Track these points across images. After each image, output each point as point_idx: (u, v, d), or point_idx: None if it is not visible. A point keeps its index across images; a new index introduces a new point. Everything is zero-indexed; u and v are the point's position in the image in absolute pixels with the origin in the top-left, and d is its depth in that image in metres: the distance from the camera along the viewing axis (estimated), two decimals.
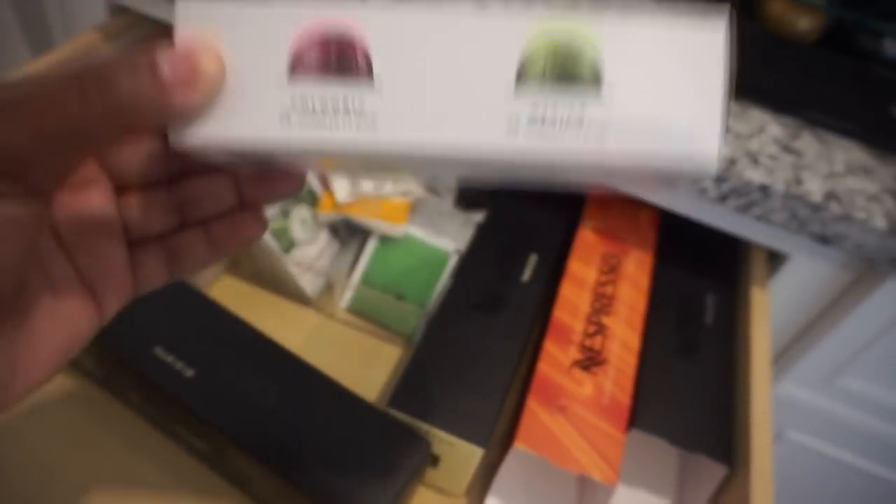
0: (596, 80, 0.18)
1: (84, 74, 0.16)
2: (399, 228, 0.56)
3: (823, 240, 0.49)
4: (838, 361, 0.59)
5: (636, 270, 0.54)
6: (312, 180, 0.57)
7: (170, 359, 0.41)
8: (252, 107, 0.18)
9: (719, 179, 0.48)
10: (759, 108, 0.54)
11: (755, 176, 0.47)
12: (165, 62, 0.17)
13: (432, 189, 0.61)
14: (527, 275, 0.52)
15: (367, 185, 0.57)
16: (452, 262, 0.56)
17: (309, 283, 0.55)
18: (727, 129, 0.18)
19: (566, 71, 0.18)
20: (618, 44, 0.18)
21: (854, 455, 0.67)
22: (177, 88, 0.17)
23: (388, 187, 0.58)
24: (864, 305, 0.53)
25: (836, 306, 0.56)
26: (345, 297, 0.56)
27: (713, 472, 0.44)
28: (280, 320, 0.54)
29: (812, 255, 0.52)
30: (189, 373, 0.41)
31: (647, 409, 0.45)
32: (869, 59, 0.55)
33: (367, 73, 0.18)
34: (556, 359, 0.46)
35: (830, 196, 0.47)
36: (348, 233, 0.59)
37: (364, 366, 0.52)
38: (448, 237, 0.56)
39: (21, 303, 0.20)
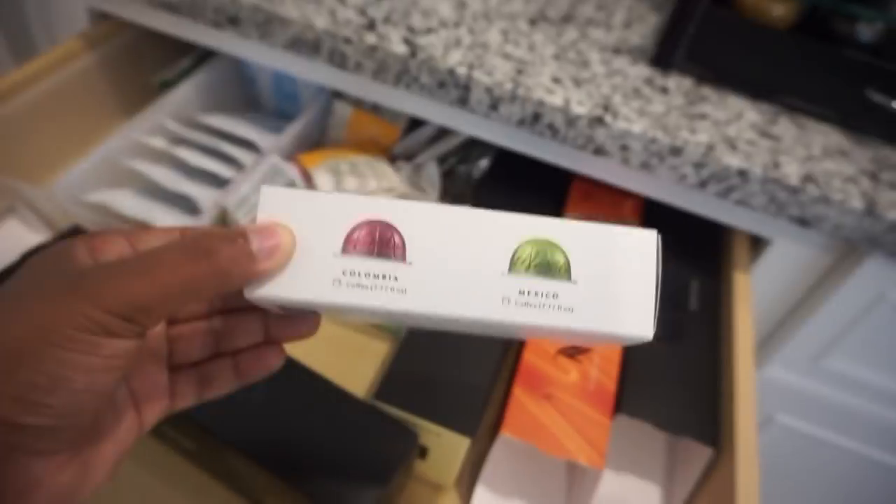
0: (567, 275, 0.24)
1: (195, 246, 0.22)
2: None
3: (803, 222, 0.49)
4: (823, 343, 0.59)
5: None
6: (296, 178, 0.57)
7: None
8: (312, 273, 0.24)
9: (698, 165, 0.49)
10: (737, 95, 0.55)
11: (733, 161, 0.48)
12: (255, 237, 0.23)
13: (416, 185, 0.62)
14: None
15: (351, 183, 0.58)
16: None
17: None
18: (660, 247, 0.25)
19: (545, 268, 0.24)
20: (583, 250, 0.24)
21: (842, 436, 0.67)
22: (261, 258, 0.23)
23: (372, 184, 0.58)
24: (846, 287, 0.53)
25: (818, 288, 0.56)
26: None
27: (699, 454, 0.44)
28: None
29: (792, 239, 0.53)
30: None
31: (632, 395, 0.45)
32: (844, 43, 0.56)
33: (402, 255, 0.24)
34: (541, 347, 0.47)
35: (808, 179, 0.48)
36: None
37: (352, 361, 0.52)
38: None
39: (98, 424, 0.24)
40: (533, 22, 0.58)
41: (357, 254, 0.24)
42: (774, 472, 0.74)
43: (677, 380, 0.47)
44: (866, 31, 0.56)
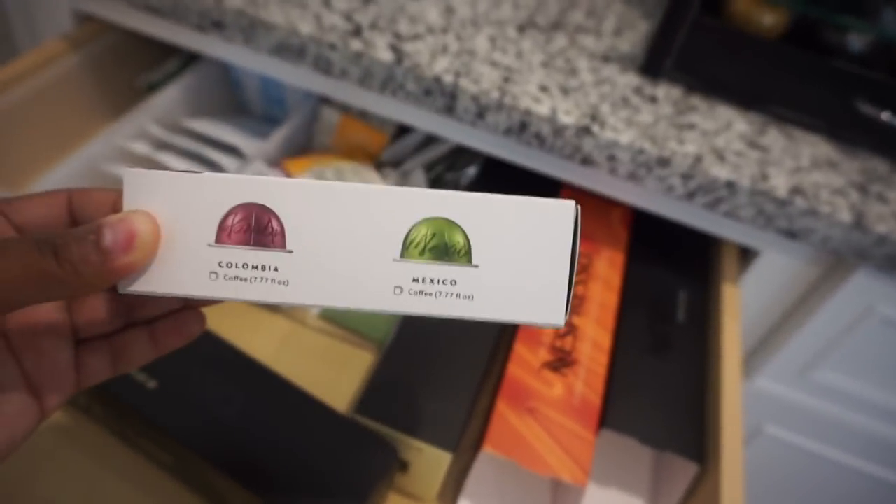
0: (466, 258, 0.22)
1: (45, 241, 0.20)
2: None
3: (791, 234, 0.49)
4: (811, 355, 0.59)
5: (608, 269, 0.54)
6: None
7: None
8: (185, 266, 0.22)
9: (686, 176, 0.48)
10: (726, 105, 0.54)
11: (721, 172, 0.47)
12: (108, 231, 0.20)
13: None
14: None
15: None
16: None
17: None
18: (576, 256, 0.22)
19: (441, 251, 0.22)
20: (486, 229, 0.22)
21: (830, 447, 0.67)
22: (117, 253, 0.20)
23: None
24: (834, 299, 0.53)
25: (806, 301, 0.56)
26: None
27: (684, 470, 0.44)
28: (251, 328, 0.53)
29: (781, 251, 0.52)
30: (151, 384, 0.40)
31: (617, 409, 0.45)
32: (834, 53, 0.55)
33: (282, 242, 0.22)
34: (525, 360, 0.46)
35: (796, 191, 0.47)
36: None
37: (336, 372, 0.51)
38: None
39: None
40: (521, 29, 0.58)
41: (233, 243, 0.22)
42: (763, 482, 0.74)
43: (663, 394, 0.47)
44: (856, 42, 0.56)
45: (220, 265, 0.22)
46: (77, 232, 0.21)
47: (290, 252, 0.22)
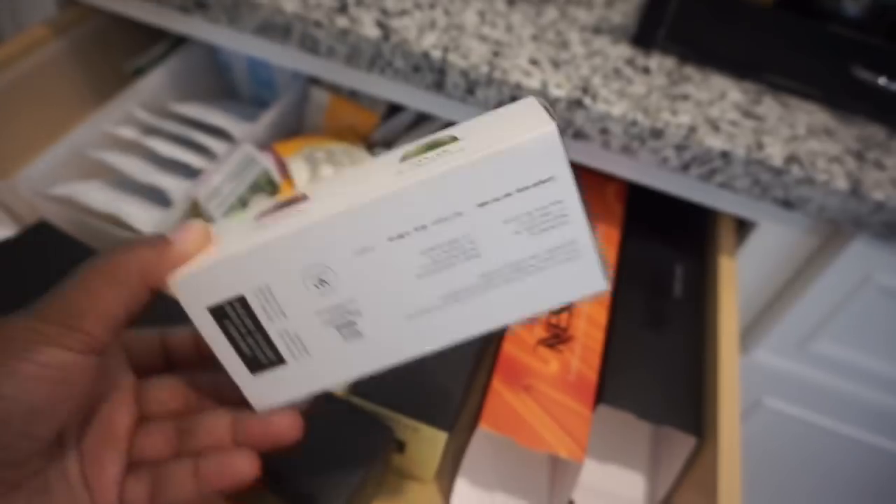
0: (455, 141, 0.25)
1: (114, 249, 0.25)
2: None
3: (787, 204, 0.48)
4: (809, 326, 0.58)
5: (603, 245, 0.54)
6: (270, 167, 0.56)
7: None
8: (232, 242, 0.26)
9: (680, 148, 0.47)
10: (720, 74, 0.53)
11: (716, 143, 0.47)
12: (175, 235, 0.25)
13: None
14: None
15: (328, 171, 0.56)
16: None
17: None
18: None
19: (432, 145, 0.25)
20: (470, 129, 0.25)
21: (829, 418, 0.67)
22: (174, 239, 0.25)
23: None
24: (832, 269, 0.52)
25: (803, 272, 0.55)
26: None
27: (683, 443, 0.44)
28: None
29: (777, 221, 0.52)
30: None
31: (615, 384, 0.45)
32: (829, 18, 0.54)
33: (305, 199, 0.26)
34: (521, 338, 0.46)
35: (792, 159, 0.47)
36: None
37: None
38: None
39: (45, 476, 0.24)
40: (511, 2, 0.57)
41: (269, 213, 0.27)
42: (763, 455, 0.74)
43: (661, 368, 0.46)
44: (852, 6, 0.55)
45: (256, 224, 0.26)
46: (141, 240, 0.26)
47: (309, 199, 0.26)
